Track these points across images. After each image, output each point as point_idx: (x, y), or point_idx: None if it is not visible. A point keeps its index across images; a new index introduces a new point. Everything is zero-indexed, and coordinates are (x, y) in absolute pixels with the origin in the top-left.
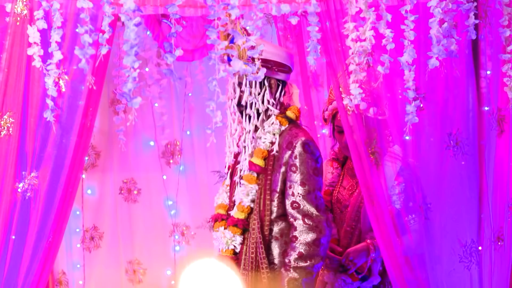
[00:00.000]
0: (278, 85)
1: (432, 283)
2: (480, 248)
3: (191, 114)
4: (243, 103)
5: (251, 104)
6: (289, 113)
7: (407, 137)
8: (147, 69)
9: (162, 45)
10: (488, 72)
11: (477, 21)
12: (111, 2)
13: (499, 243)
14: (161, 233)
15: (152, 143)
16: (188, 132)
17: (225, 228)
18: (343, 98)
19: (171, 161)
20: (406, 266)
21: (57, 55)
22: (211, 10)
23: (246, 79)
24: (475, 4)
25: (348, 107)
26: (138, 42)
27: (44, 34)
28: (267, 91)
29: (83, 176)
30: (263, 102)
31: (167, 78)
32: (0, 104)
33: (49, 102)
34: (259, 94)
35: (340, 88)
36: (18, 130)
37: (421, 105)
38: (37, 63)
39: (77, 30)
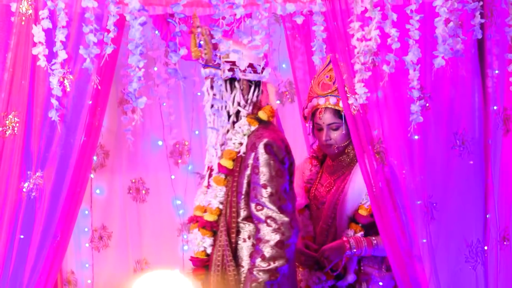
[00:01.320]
0: (250, 86)
1: (437, 282)
2: (486, 248)
3: (199, 114)
4: (215, 106)
5: (222, 106)
6: (261, 114)
7: (415, 137)
8: (155, 69)
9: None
10: (496, 72)
11: (483, 21)
12: (116, 2)
13: (505, 243)
14: (169, 233)
15: (160, 142)
16: (196, 132)
17: (198, 230)
18: (348, 97)
19: (179, 161)
20: (411, 265)
21: (62, 55)
22: (216, 10)
23: (215, 81)
24: (481, 3)
25: (353, 107)
26: (146, 42)
27: (49, 34)
28: (238, 93)
29: (92, 175)
30: (233, 104)
31: (175, 77)
32: (5, 104)
33: (54, 101)
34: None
35: (345, 88)
36: (23, 129)
37: (427, 105)
38: (42, 62)
39: (83, 30)
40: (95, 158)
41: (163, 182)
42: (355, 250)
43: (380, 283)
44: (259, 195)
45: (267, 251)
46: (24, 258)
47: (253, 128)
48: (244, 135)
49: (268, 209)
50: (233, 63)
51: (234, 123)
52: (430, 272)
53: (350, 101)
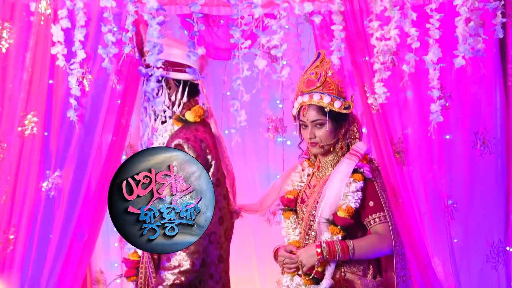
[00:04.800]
0: (178, 86)
1: (458, 282)
2: (508, 248)
3: (228, 113)
4: (144, 104)
5: (149, 105)
6: (187, 114)
7: (447, 136)
8: None
9: (198, 44)
10: None
11: (504, 20)
12: (134, 1)
13: None
14: None
15: None
16: (226, 131)
17: None
18: (368, 97)
19: None
20: (432, 266)
21: (81, 54)
22: (235, 9)
23: (143, 81)
24: (503, 2)
25: (373, 106)
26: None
27: (68, 33)
28: (164, 93)
29: None
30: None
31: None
32: (24, 104)
33: (72, 101)
34: (156, 94)
35: (365, 87)
36: (42, 129)
37: (447, 104)
38: (60, 62)
39: (102, 29)
40: (124, 157)
41: None
42: (327, 256)
43: None
44: None
45: (172, 254)
46: (43, 256)
47: (176, 127)
48: (168, 135)
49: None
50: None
51: (163, 122)
52: (451, 272)
53: (369, 101)
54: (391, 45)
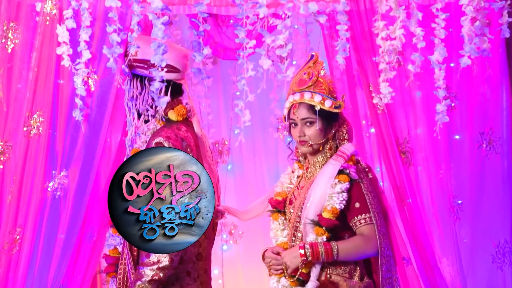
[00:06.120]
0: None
1: (464, 283)
2: None
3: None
4: (125, 104)
5: (132, 104)
6: (170, 113)
7: (456, 136)
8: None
9: (206, 43)
10: None
11: (510, 19)
12: (139, 1)
13: None
14: None
15: None
16: (236, 131)
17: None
18: (373, 97)
19: (219, 160)
20: (438, 267)
21: (86, 54)
22: (240, 9)
23: (127, 80)
24: (509, 2)
25: (378, 106)
26: (183, 41)
27: (73, 33)
28: (147, 92)
29: None
30: (142, 103)
31: (212, 77)
32: (30, 104)
33: (78, 101)
34: (140, 94)
35: (370, 87)
36: (48, 129)
37: (453, 104)
38: (66, 62)
39: (107, 29)
40: None
41: None
42: (310, 259)
43: None
44: None
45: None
46: (49, 257)
47: (158, 126)
48: (151, 134)
49: None
50: (140, 61)
51: (146, 121)
52: (457, 272)
53: (375, 101)
54: (396, 44)
